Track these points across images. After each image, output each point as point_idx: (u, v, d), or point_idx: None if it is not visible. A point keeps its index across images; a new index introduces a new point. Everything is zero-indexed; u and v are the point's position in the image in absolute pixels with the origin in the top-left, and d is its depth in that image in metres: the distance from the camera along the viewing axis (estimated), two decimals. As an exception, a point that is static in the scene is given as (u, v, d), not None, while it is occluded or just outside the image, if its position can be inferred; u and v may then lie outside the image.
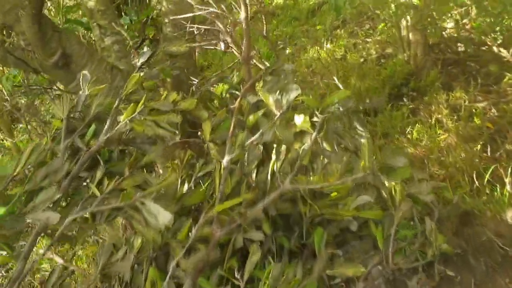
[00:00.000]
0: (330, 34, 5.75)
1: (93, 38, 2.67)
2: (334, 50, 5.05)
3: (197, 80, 2.89)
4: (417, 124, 3.48)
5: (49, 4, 4.11)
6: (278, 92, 1.95)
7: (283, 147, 1.88)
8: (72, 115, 1.87)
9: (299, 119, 1.93)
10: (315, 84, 4.35)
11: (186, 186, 1.98)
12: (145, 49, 3.28)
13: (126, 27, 3.62)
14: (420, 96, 4.09)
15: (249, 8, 2.47)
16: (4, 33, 2.21)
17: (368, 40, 5.41)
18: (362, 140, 1.91)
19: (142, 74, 2.04)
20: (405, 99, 4.07)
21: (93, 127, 1.83)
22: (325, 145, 1.90)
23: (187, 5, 2.57)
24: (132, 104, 1.79)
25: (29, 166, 1.70)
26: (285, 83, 2.01)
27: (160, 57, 2.31)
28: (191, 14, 2.59)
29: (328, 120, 1.93)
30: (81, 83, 1.86)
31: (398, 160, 1.92)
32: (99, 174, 1.74)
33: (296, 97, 1.94)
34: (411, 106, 3.93)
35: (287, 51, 5.76)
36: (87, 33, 4.15)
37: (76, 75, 2.03)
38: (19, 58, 2.11)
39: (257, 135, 1.93)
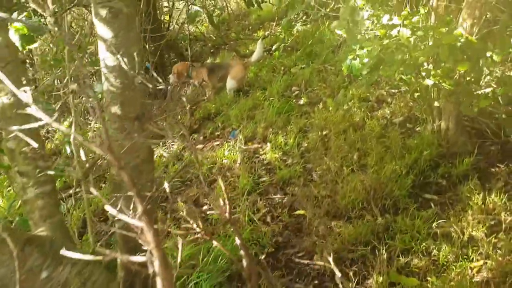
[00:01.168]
0: (348, 82, 5.05)
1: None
2: (352, 109, 4.35)
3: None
4: (444, 245, 2.79)
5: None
6: None
7: None
8: None
9: None
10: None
11: None
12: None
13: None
14: (451, 186, 3.38)
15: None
16: None
17: (394, 91, 4.68)
18: None
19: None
20: (431, 192, 3.37)
21: None
22: None
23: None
24: None
25: None
26: None
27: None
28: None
29: None
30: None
31: None
32: None
33: None
34: (438, 203, 3.24)
35: (302, 101, 5.11)
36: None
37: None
38: None
39: None
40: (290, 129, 4.47)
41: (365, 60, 2.79)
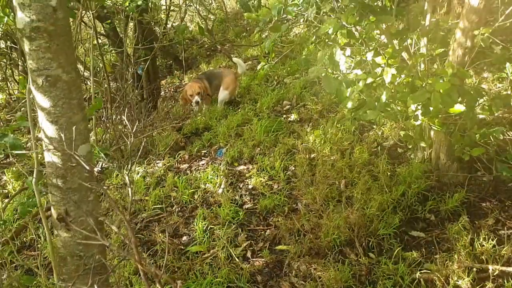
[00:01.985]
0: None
1: None
2: (340, 136, 4.18)
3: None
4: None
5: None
6: None
7: None
8: None
9: None
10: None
11: None
12: None
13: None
14: (439, 223, 3.24)
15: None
16: None
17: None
18: None
19: None
20: (418, 228, 3.23)
21: None
22: None
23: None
24: None
25: None
26: None
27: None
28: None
29: None
30: None
31: None
32: None
33: None
34: (425, 241, 3.10)
35: (292, 117, 4.94)
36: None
37: None
38: None
39: None
40: (278, 150, 4.31)
41: (348, 104, 2.62)
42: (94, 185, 1.54)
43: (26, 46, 1.53)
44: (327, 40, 3.13)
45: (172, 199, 4.00)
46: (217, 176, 4.16)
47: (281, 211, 3.61)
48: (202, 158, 4.68)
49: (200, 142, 4.92)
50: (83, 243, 1.74)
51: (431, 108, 2.50)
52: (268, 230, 3.47)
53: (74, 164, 1.61)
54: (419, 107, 2.50)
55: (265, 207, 3.66)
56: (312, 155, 4.14)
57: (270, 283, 3.01)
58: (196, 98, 5.45)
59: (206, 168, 4.41)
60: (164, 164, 4.58)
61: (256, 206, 3.74)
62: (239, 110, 5.38)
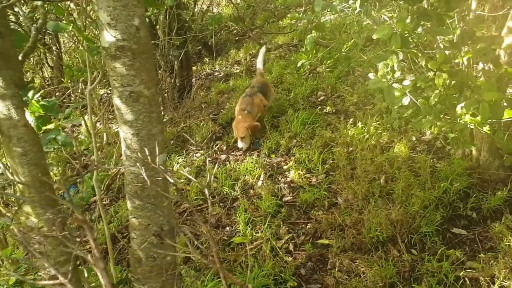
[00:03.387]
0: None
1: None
2: (379, 133, 4.20)
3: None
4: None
5: None
6: None
7: None
8: None
9: None
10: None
11: None
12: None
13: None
14: (481, 220, 3.28)
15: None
16: None
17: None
18: None
19: None
20: (460, 226, 3.27)
21: None
22: None
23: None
24: None
25: None
26: None
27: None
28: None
29: None
30: None
31: None
32: None
33: None
34: (467, 239, 3.14)
35: (327, 109, 4.97)
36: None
37: None
38: None
39: None
40: (315, 143, 4.36)
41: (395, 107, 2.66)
42: (179, 196, 1.63)
43: (110, 64, 1.61)
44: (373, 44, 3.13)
45: (213, 190, 4.11)
46: (256, 168, 4.24)
47: (321, 205, 3.69)
48: (239, 149, 4.75)
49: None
50: (157, 246, 1.85)
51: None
52: (309, 224, 3.56)
53: (152, 173, 1.70)
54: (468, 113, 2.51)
55: (305, 200, 3.74)
56: (350, 149, 4.19)
57: (314, 277, 3.10)
58: (240, 144, 4.64)
59: (244, 159, 4.50)
60: (203, 154, 4.68)
61: (296, 199, 3.82)
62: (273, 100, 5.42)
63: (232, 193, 4.02)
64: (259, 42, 7.43)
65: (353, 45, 4.38)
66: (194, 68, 7.85)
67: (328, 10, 3.60)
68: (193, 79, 7.11)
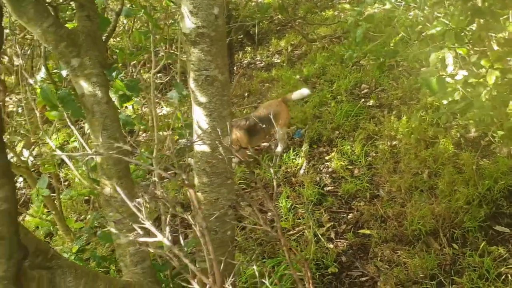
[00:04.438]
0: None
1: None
2: (423, 128, 4.21)
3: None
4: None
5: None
6: None
7: None
8: None
9: None
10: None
11: None
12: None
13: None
14: (525, 219, 3.28)
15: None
16: None
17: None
18: None
19: None
20: (503, 224, 3.28)
21: None
22: None
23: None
24: None
25: None
26: None
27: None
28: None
29: None
30: None
31: None
32: None
33: None
34: (510, 237, 3.16)
35: (371, 102, 5.00)
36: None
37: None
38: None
39: None
40: (358, 135, 4.42)
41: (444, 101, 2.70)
42: (248, 174, 1.75)
43: (189, 49, 1.73)
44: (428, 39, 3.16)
45: (255, 176, 4.23)
46: (298, 157, 4.34)
47: (363, 196, 3.76)
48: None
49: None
50: (220, 220, 1.99)
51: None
52: (350, 214, 3.64)
53: (220, 152, 1.82)
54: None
55: (347, 191, 3.81)
56: (394, 143, 4.22)
57: (355, 265, 3.19)
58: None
59: (286, 148, 4.59)
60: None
61: (338, 189, 3.90)
62: (316, 91, 5.48)
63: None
64: (302, 33, 7.47)
65: (400, 39, 4.40)
66: (235, 56, 7.97)
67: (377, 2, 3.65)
68: (234, 67, 7.24)
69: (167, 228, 1.21)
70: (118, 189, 1.26)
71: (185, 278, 2.76)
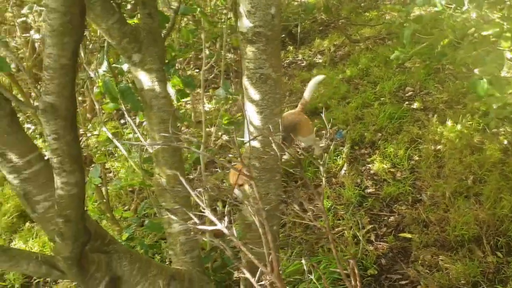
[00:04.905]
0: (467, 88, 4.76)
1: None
2: (470, 133, 4.13)
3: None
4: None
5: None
6: None
7: None
8: None
9: None
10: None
11: None
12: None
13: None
14: None
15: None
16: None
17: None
18: None
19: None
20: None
21: None
22: None
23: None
24: None
25: None
26: None
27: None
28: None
29: None
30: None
31: None
32: None
33: None
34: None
35: (415, 105, 4.94)
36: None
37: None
38: None
39: None
40: (401, 138, 4.37)
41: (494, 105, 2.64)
42: (298, 171, 1.79)
43: (246, 47, 1.79)
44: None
45: (302, 173, 4.25)
46: (339, 158, 4.34)
47: (405, 200, 3.72)
48: (322, 138, 4.86)
49: (320, 121, 5.10)
50: (268, 214, 2.04)
51: None
52: (391, 217, 3.61)
53: (270, 148, 1.87)
54: None
55: (389, 194, 3.79)
56: (438, 147, 4.16)
57: (395, 268, 3.18)
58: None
59: (326, 148, 4.60)
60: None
61: (379, 192, 3.88)
62: (358, 92, 5.46)
63: (315, 180, 4.15)
64: (345, 33, 7.43)
65: (449, 42, 4.32)
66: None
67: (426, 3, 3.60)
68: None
69: (226, 218, 1.26)
70: (182, 179, 1.32)
71: (227, 271, 2.85)
